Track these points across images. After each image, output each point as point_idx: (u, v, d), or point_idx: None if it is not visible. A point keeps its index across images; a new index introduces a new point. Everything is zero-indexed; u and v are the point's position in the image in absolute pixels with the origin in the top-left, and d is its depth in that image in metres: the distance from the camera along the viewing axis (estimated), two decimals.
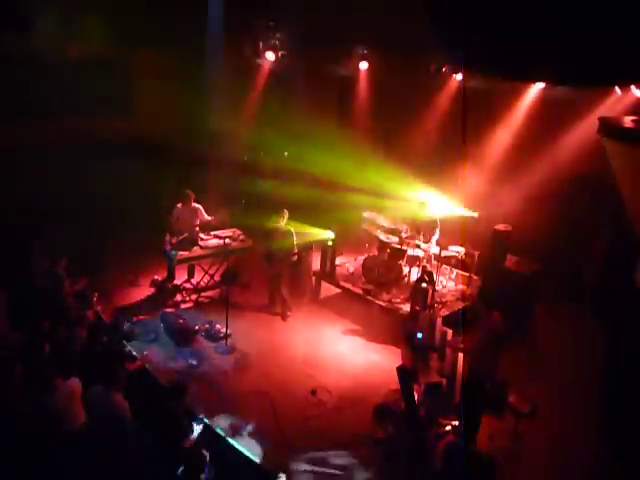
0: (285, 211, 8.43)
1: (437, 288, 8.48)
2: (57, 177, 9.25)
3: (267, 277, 8.70)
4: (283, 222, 8.38)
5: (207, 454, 4.88)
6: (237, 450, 5.49)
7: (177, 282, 9.01)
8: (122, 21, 9.08)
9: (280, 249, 8.33)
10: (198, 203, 8.96)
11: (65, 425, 4.68)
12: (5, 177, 8.68)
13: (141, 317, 8.08)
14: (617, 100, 8.74)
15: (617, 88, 8.53)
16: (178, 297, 8.85)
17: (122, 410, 4.63)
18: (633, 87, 8.25)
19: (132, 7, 9.01)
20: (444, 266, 9.15)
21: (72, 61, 9.52)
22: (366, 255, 9.38)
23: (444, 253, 8.81)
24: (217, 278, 9.07)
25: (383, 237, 9.27)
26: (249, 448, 5.63)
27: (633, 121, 6.71)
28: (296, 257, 8.58)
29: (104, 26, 9.15)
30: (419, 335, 7.13)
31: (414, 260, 8.91)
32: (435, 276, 8.41)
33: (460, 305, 8.53)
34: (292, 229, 8.41)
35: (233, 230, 9.38)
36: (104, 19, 9.08)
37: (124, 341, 6.85)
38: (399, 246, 8.96)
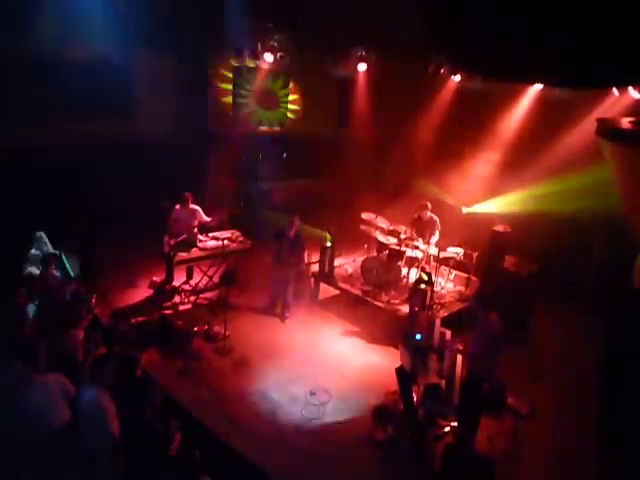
0: (297, 218, 8.46)
1: (436, 289, 8.48)
2: (57, 178, 9.25)
3: (273, 280, 8.67)
4: (295, 229, 8.39)
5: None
6: (230, 448, 5.48)
7: (176, 283, 9.01)
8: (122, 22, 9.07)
9: (290, 255, 8.35)
10: (196, 204, 8.97)
11: (47, 421, 4.70)
12: (6, 177, 8.68)
13: (140, 319, 8.07)
14: (615, 101, 8.77)
15: (615, 90, 8.56)
16: (177, 298, 8.84)
17: (107, 410, 4.65)
18: (630, 89, 8.27)
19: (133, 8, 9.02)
20: (443, 267, 9.16)
21: (71, 63, 9.52)
22: (365, 256, 9.38)
23: (443, 254, 8.82)
24: (216, 279, 9.06)
25: (382, 238, 9.28)
26: None
27: (630, 122, 6.73)
28: (305, 265, 8.64)
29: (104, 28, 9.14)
30: (418, 336, 7.11)
31: (413, 261, 8.92)
32: (434, 277, 8.41)
33: (459, 306, 8.54)
34: (303, 237, 8.47)
35: (232, 231, 9.39)
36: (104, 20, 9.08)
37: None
38: (398, 247, 8.97)
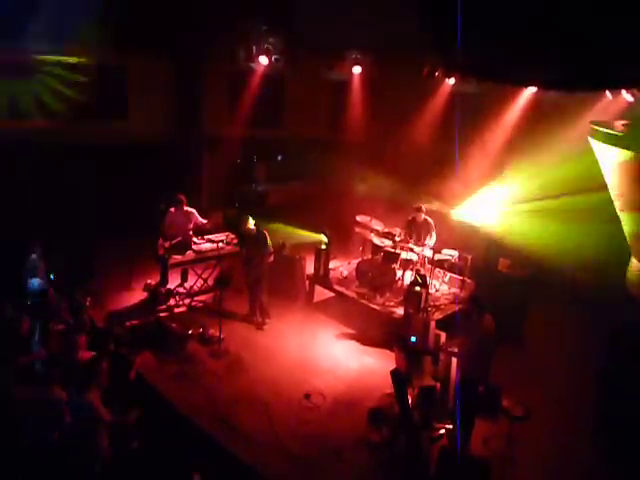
0: (249, 216, 8.29)
1: (430, 291, 8.50)
2: (52, 179, 9.22)
3: (247, 284, 8.52)
4: (252, 225, 8.22)
5: None
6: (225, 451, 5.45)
7: (170, 286, 8.97)
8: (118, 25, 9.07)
9: (255, 253, 8.22)
10: (191, 207, 8.95)
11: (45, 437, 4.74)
12: (1, 178, 8.66)
13: (134, 322, 8.04)
14: (608, 104, 8.81)
15: (608, 92, 8.61)
16: (171, 301, 8.81)
17: (98, 412, 4.68)
18: (624, 91, 8.32)
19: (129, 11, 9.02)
20: (437, 269, 9.17)
21: (69, 64, 9.52)
22: (360, 259, 9.39)
23: (437, 256, 8.83)
24: (210, 282, 9.04)
25: (377, 241, 9.29)
26: None
27: (623, 125, 6.77)
28: (272, 258, 8.34)
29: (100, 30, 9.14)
30: (413, 339, 7.13)
31: (408, 263, 8.94)
32: (428, 279, 8.43)
33: (453, 308, 8.56)
34: (264, 231, 8.28)
35: (226, 234, 9.37)
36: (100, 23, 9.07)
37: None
38: (393, 250, 8.98)
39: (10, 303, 6.32)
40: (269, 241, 8.25)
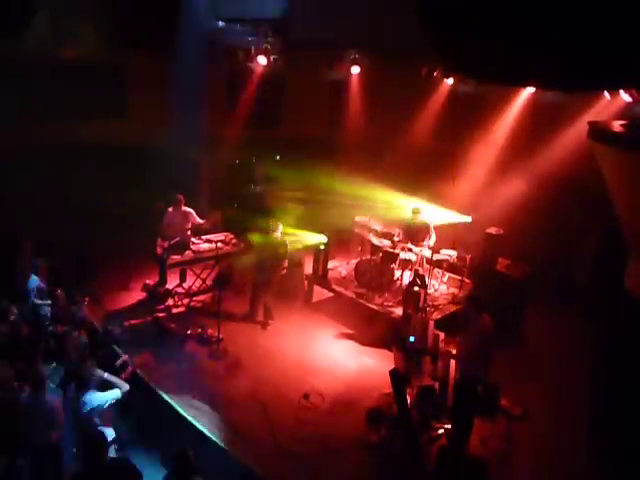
0: (279, 223, 8.42)
1: (429, 291, 8.50)
2: (50, 179, 9.20)
3: (252, 284, 8.59)
4: (278, 233, 8.35)
5: None
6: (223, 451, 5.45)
7: (169, 286, 8.97)
8: (115, 24, 9.06)
9: (272, 259, 8.29)
10: (190, 207, 8.94)
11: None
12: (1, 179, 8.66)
13: (133, 322, 8.04)
14: (606, 104, 8.82)
15: (606, 93, 8.62)
16: (170, 301, 8.81)
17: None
18: (622, 92, 8.33)
19: (125, 10, 9.01)
20: (436, 269, 9.18)
21: (66, 64, 9.50)
22: (358, 259, 9.39)
23: (436, 256, 8.83)
24: (209, 282, 9.04)
25: (375, 241, 9.29)
26: None
27: (622, 125, 6.77)
28: (285, 270, 8.50)
29: (97, 29, 9.13)
30: (411, 338, 7.13)
31: (406, 264, 8.93)
32: (427, 279, 8.43)
33: (452, 308, 8.56)
34: (286, 241, 8.40)
35: (225, 234, 9.37)
36: (97, 22, 9.06)
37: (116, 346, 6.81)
38: (391, 250, 8.98)
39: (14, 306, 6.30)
40: (288, 249, 8.33)
